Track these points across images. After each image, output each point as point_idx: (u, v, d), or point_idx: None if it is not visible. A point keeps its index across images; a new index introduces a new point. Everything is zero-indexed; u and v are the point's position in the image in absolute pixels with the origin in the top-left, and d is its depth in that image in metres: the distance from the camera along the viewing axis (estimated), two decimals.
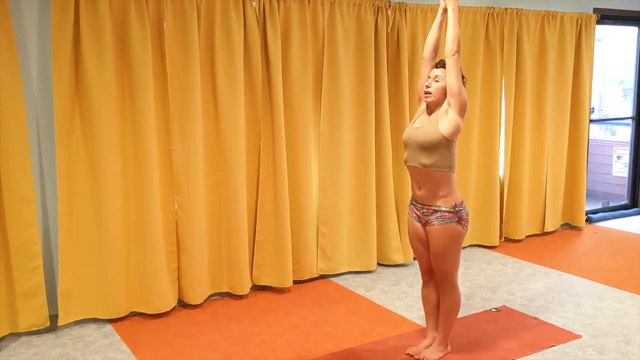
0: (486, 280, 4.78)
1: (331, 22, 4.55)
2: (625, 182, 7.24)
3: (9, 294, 3.68)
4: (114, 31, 3.80)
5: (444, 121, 3.12)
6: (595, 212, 6.79)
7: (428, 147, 3.13)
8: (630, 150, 7.07)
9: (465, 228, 3.26)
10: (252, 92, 4.33)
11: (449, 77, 3.12)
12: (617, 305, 4.22)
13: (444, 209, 3.20)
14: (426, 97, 3.23)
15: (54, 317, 3.82)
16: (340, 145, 4.70)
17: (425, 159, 3.15)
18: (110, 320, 3.99)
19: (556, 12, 5.69)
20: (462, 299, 4.30)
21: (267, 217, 4.45)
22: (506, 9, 5.39)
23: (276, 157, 4.39)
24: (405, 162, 3.28)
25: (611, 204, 7.11)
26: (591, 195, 7.04)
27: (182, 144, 4.07)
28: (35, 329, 3.76)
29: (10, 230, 3.62)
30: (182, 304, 4.25)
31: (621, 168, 7.57)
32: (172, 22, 3.98)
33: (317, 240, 4.73)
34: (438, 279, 3.39)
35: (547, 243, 5.83)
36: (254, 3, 4.23)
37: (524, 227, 5.84)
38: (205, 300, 4.32)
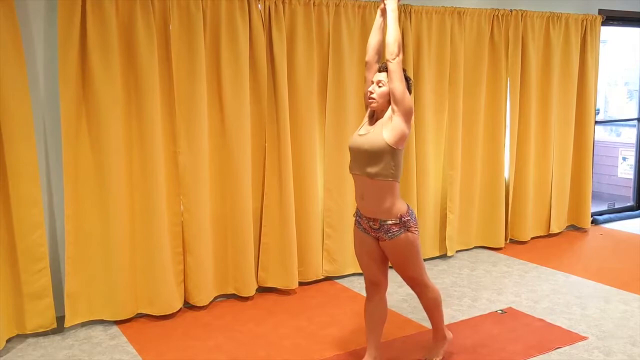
0: (492, 281, 4.77)
1: (336, 24, 4.56)
2: (631, 184, 7.23)
3: (16, 295, 3.69)
4: (120, 35, 3.81)
5: (388, 128, 2.96)
6: (600, 213, 6.78)
7: (372, 156, 2.97)
8: (636, 152, 7.06)
9: (416, 233, 3.09)
10: (258, 95, 4.34)
11: (391, 82, 2.96)
12: (623, 307, 4.21)
13: (390, 222, 3.03)
14: (370, 103, 3.06)
15: (60, 319, 3.83)
16: (344, 147, 4.69)
17: (370, 168, 2.98)
18: (117, 322, 4.00)
19: (561, 13, 5.68)
20: (468, 301, 4.32)
21: (273, 219, 4.46)
22: (511, 11, 5.38)
23: (282, 158, 4.40)
24: (350, 170, 3.12)
25: (617, 206, 7.10)
26: (596, 196, 7.02)
27: (188, 146, 4.09)
28: (42, 330, 3.77)
29: (17, 232, 3.64)
30: (188, 306, 4.26)
31: (626, 169, 7.55)
32: (178, 25, 4.00)
33: (323, 242, 4.73)
34: (409, 285, 3.29)
35: (552, 245, 5.82)
36: (259, 5, 4.24)
37: (530, 228, 5.84)
38: (211, 302, 4.33)
